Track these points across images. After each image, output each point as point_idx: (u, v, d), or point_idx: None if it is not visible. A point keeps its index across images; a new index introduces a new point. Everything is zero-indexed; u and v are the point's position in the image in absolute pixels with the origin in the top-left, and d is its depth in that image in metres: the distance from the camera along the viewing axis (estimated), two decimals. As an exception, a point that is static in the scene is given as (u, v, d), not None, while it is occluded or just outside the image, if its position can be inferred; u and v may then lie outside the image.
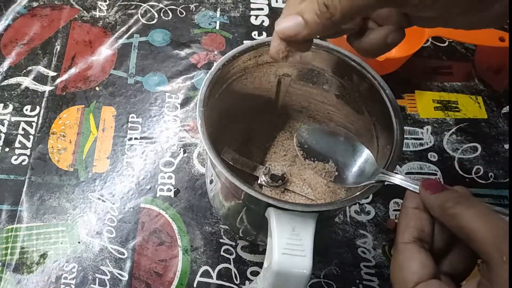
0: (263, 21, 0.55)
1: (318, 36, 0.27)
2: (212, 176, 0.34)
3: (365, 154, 0.29)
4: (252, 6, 0.57)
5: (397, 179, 0.26)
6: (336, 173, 0.30)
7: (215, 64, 0.31)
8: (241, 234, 0.40)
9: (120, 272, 0.40)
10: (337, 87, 0.34)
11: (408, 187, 0.25)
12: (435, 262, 0.23)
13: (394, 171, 0.27)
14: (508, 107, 0.50)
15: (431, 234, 0.24)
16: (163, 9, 0.55)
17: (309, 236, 0.25)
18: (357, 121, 0.34)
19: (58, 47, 0.52)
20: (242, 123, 0.40)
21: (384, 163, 0.28)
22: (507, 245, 0.20)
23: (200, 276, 0.40)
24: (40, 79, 0.50)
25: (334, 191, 0.38)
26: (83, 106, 0.48)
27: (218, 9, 0.56)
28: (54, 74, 0.50)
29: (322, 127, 0.38)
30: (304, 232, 0.25)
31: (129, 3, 0.56)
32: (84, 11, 0.55)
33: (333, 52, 0.32)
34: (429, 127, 0.49)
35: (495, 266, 0.20)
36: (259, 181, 0.37)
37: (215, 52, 0.53)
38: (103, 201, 0.43)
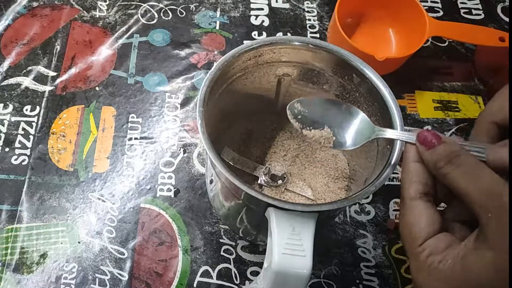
0: (263, 21, 0.55)
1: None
2: (212, 176, 0.34)
3: (359, 115, 0.29)
4: (252, 6, 0.57)
5: (394, 133, 0.26)
6: (334, 138, 0.29)
7: (215, 64, 0.31)
8: (241, 234, 0.40)
9: (120, 272, 0.40)
10: (337, 87, 0.34)
11: (407, 140, 0.25)
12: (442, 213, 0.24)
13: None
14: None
15: (435, 185, 0.24)
16: (163, 9, 0.55)
17: (309, 236, 0.25)
18: (357, 121, 0.34)
19: (58, 47, 0.52)
20: (242, 123, 0.40)
21: (384, 163, 0.28)
22: (492, 203, 0.20)
23: (200, 276, 0.40)
24: (40, 79, 0.50)
25: (334, 191, 0.38)
26: (83, 106, 0.48)
27: (218, 9, 0.56)
28: (54, 74, 0.50)
29: (313, 98, 0.37)
30: (304, 232, 0.25)
31: (129, 3, 0.56)
32: (84, 11, 0.55)
33: (333, 52, 0.32)
34: (429, 127, 0.49)
35: (484, 224, 0.21)
36: (259, 181, 0.37)
37: (215, 52, 0.53)
38: (103, 201, 0.43)
